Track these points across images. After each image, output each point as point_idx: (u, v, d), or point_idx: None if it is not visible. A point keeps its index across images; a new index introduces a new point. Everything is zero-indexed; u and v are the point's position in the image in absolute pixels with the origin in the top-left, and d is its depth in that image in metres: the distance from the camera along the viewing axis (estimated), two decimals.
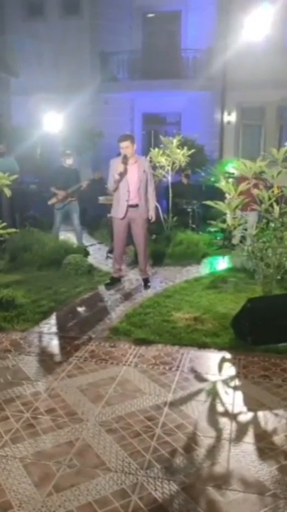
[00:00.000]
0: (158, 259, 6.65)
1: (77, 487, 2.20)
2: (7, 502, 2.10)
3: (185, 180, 9.15)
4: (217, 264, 6.68)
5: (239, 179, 6.86)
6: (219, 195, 6.52)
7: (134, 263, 6.25)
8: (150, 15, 13.60)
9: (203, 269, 6.46)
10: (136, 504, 2.10)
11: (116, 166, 5.18)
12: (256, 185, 4.91)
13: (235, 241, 6.82)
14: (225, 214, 5.80)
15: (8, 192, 5.21)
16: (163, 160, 7.60)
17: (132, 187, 5.21)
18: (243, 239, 6.42)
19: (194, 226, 8.49)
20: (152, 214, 5.38)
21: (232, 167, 8.26)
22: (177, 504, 2.10)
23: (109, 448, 2.49)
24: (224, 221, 6.00)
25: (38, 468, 2.33)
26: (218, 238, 7.89)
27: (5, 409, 2.85)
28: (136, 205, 5.26)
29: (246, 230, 6.13)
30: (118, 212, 5.32)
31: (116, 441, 2.55)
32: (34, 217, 8.40)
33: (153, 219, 5.46)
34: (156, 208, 5.58)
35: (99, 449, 2.47)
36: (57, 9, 13.27)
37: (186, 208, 8.56)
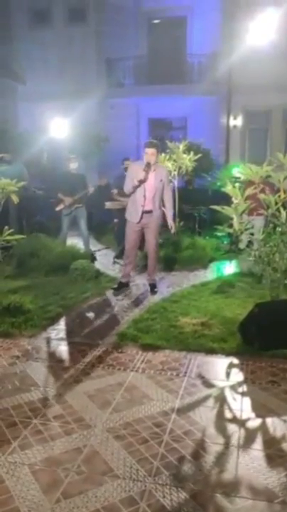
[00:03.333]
0: (164, 264, 6.65)
1: (85, 494, 2.20)
2: (16, 509, 2.11)
3: (189, 187, 9.16)
4: (223, 268, 6.67)
5: (246, 184, 6.85)
6: (226, 199, 6.51)
7: (141, 268, 6.27)
8: (155, 21, 13.67)
9: (210, 273, 6.46)
10: (144, 511, 2.09)
11: (136, 171, 5.17)
12: (263, 190, 4.90)
13: (242, 246, 6.80)
14: (232, 219, 5.81)
15: (15, 198, 5.26)
16: (169, 165, 7.61)
17: (148, 193, 5.22)
18: (250, 243, 6.40)
19: (200, 231, 8.49)
20: (171, 223, 5.43)
21: (238, 171, 8.25)
22: (185, 511, 2.10)
23: (117, 454, 2.49)
24: (230, 226, 6.01)
25: (47, 475, 2.33)
26: (225, 243, 7.87)
27: (13, 415, 2.86)
28: (150, 211, 5.28)
29: (252, 234, 6.12)
30: (133, 216, 5.33)
31: (123, 447, 2.55)
32: (41, 222, 8.45)
33: (174, 229, 5.53)
34: (163, 213, 5.59)
35: (107, 456, 2.47)
36: (63, 16, 13.39)
37: (192, 213, 8.56)
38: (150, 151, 5.12)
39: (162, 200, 5.38)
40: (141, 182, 5.13)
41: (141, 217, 5.28)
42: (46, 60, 12.96)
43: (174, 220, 5.68)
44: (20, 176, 6.85)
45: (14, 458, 2.46)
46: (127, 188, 5.30)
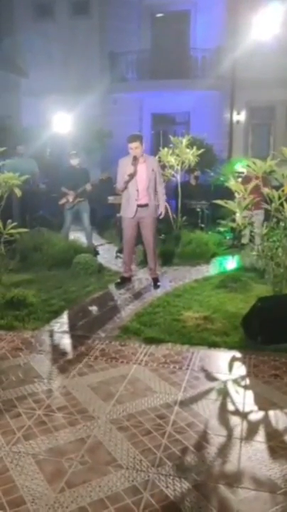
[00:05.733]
0: (167, 258, 6.65)
1: (89, 483, 2.22)
2: (20, 498, 2.13)
3: (193, 182, 9.13)
4: (226, 263, 6.66)
5: (245, 178, 6.84)
6: (228, 194, 6.51)
7: (144, 263, 6.27)
8: (159, 15, 13.59)
9: (212, 268, 6.46)
10: (147, 501, 2.11)
11: (125, 166, 5.20)
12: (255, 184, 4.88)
13: (244, 240, 6.80)
14: (234, 213, 5.82)
15: (18, 192, 5.26)
16: (172, 160, 7.60)
17: (141, 186, 5.23)
18: (252, 238, 6.40)
19: (203, 226, 8.48)
20: (162, 209, 5.39)
21: (241, 166, 8.23)
22: (188, 502, 2.11)
23: (121, 445, 2.50)
24: (233, 220, 6.01)
25: (51, 465, 2.35)
26: (227, 238, 7.87)
27: (17, 406, 2.88)
28: (146, 205, 5.28)
29: (252, 230, 6.12)
30: (127, 211, 5.34)
31: (127, 438, 2.56)
32: (43, 217, 8.44)
33: (163, 215, 5.47)
34: (165, 207, 5.59)
35: (111, 446, 2.49)
36: (66, 10, 13.32)
37: (195, 208, 8.54)
38: (134, 145, 5.13)
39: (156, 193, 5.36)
40: (131, 176, 5.15)
41: (136, 212, 5.28)
42: (49, 53, 12.89)
43: (177, 213, 5.63)
44: (31, 170, 6.87)
45: (18, 448, 2.48)
46: (119, 184, 5.32)
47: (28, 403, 2.92)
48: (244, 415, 2.83)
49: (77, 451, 2.45)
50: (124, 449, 2.47)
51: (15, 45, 13.02)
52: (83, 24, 13.11)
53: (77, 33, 12.97)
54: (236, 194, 5.63)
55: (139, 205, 5.26)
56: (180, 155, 7.58)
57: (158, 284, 5.49)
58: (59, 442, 2.53)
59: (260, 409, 2.90)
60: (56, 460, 2.39)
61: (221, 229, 8.09)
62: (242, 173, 8.11)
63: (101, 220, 9.28)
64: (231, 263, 6.57)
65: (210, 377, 3.31)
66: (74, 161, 7.15)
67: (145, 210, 5.29)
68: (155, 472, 2.30)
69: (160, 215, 5.42)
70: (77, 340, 3.95)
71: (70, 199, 7.01)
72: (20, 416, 2.78)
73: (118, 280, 5.61)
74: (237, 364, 3.54)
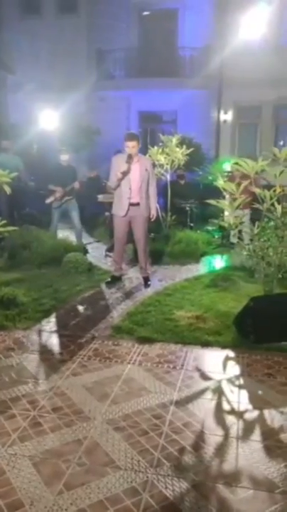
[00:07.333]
0: (157, 257, 6.64)
1: (88, 485, 2.20)
2: (18, 500, 2.10)
3: (181, 182, 9.14)
4: (216, 262, 6.69)
5: (231, 177, 6.87)
6: (217, 193, 6.53)
7: (134, 261, 6.26)
8: (146, 13, 13.54)
9: (203, 267, 6.47)
10: (147, 502, 2.11)
11: (118, 164, 5.17)
12: (239, 184, 4.90)
13: (234, 239, 6.84)
14: (222, 212, 5.84)
15: (8, 189, 5.19)
16: (162, 158, 7.59)
17: (134, 185, 5.21)
18: (240, 235, 6.43)
19: (192, 225, 8.50)
20: (153, 213, 5.40)
21: (231, 166, 8.27)
22: (188, 502, 2.11)
23: (118, 446, 2.49)
24: (222, 219, 6.04)
25: (48, 467, 2.33)
26: (216, 237, 7.91)
27: (12, 407, 2.85)
28: (137, 204, 5.27)
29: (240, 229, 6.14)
30: (119, 210, 5.32)
31: (124, 439, 2.55)
32: (32, 214, 8.36)
33: (154, 218, 5.47)
34: (156, 208, 5.58)
35: (108, 447, 2.48)
36: (53, 7, 13.23)
37: (184, 207, 8.56)
38: (131, 144, 5.13)
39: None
40: (125, 174, 5.14)
41: (128, 210, 5.27)
42: (36, 50, 12.79)
43: (167, 212, 5.62)
44: (16, 167, 6.80)
45: (14, 450, 2.45)
46: (112, 182, 5.29)
47: (22, 404, 2.89)
48: (239, 414, 2.84)
49: (75, 452, 2.44)
50: (122, 450, 2.46)
51: (2, 42, 12.87)
52: (70, 22, 13.03)
53: (64, 31, 12.89)
54: (225, 193, 5.65)
55: (131, 204, 5.24)
56: (170, 154, 7.58)
57: (149, 283, 5.49)
58: (55, 444, 2.51)
59: (255, 408, 2.92)
60: (53, 462, 2.36)
61: (210, 228, 8.12)
62: (230, 172, 8.16)
63: (90, 218, 9.22)
64: (220, 262, 6.60)
65: (204, 377, 3.32)
66: (64, 157, 7.06)
67: (137, 209, 5.28)
68: (153, 473, 2.30)
69: (152, 217, 5.42)
70: (70, 339, 3.92)
71: (58, 196, 6.93)
72: (15, 417, 2.74)
73: (109, 279, 5.59)
74: (231, 363, 3.56)
